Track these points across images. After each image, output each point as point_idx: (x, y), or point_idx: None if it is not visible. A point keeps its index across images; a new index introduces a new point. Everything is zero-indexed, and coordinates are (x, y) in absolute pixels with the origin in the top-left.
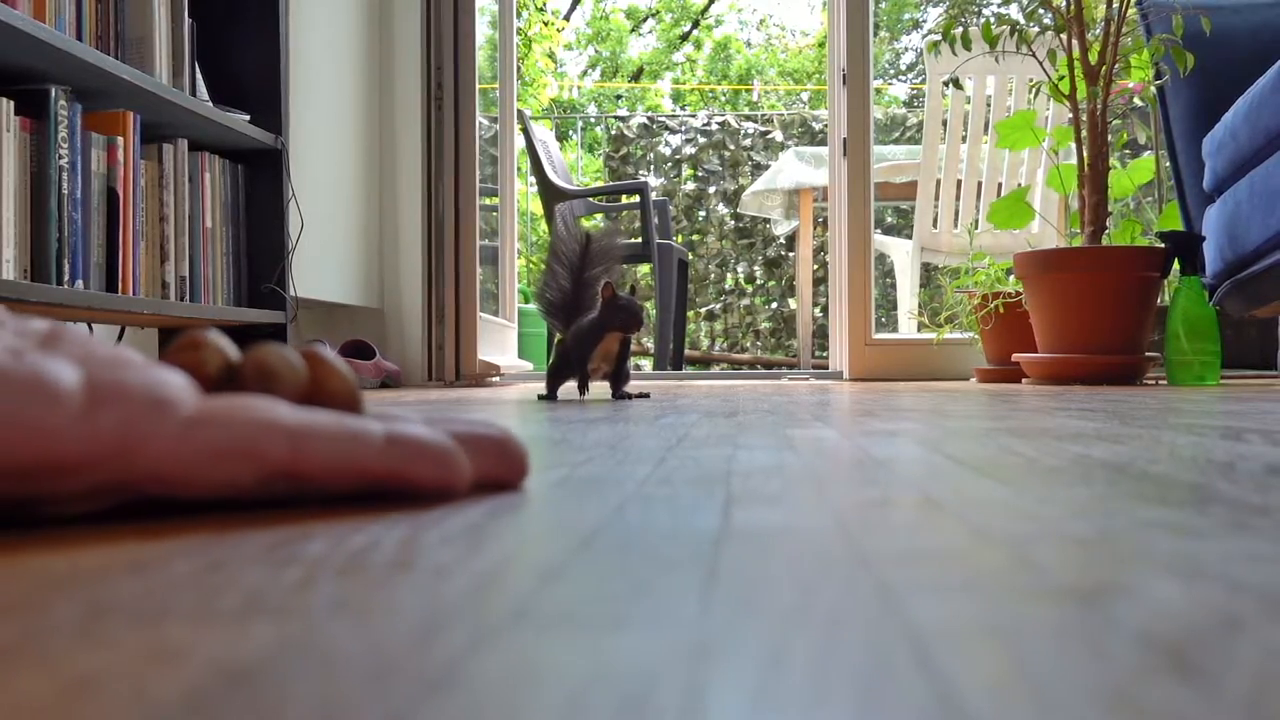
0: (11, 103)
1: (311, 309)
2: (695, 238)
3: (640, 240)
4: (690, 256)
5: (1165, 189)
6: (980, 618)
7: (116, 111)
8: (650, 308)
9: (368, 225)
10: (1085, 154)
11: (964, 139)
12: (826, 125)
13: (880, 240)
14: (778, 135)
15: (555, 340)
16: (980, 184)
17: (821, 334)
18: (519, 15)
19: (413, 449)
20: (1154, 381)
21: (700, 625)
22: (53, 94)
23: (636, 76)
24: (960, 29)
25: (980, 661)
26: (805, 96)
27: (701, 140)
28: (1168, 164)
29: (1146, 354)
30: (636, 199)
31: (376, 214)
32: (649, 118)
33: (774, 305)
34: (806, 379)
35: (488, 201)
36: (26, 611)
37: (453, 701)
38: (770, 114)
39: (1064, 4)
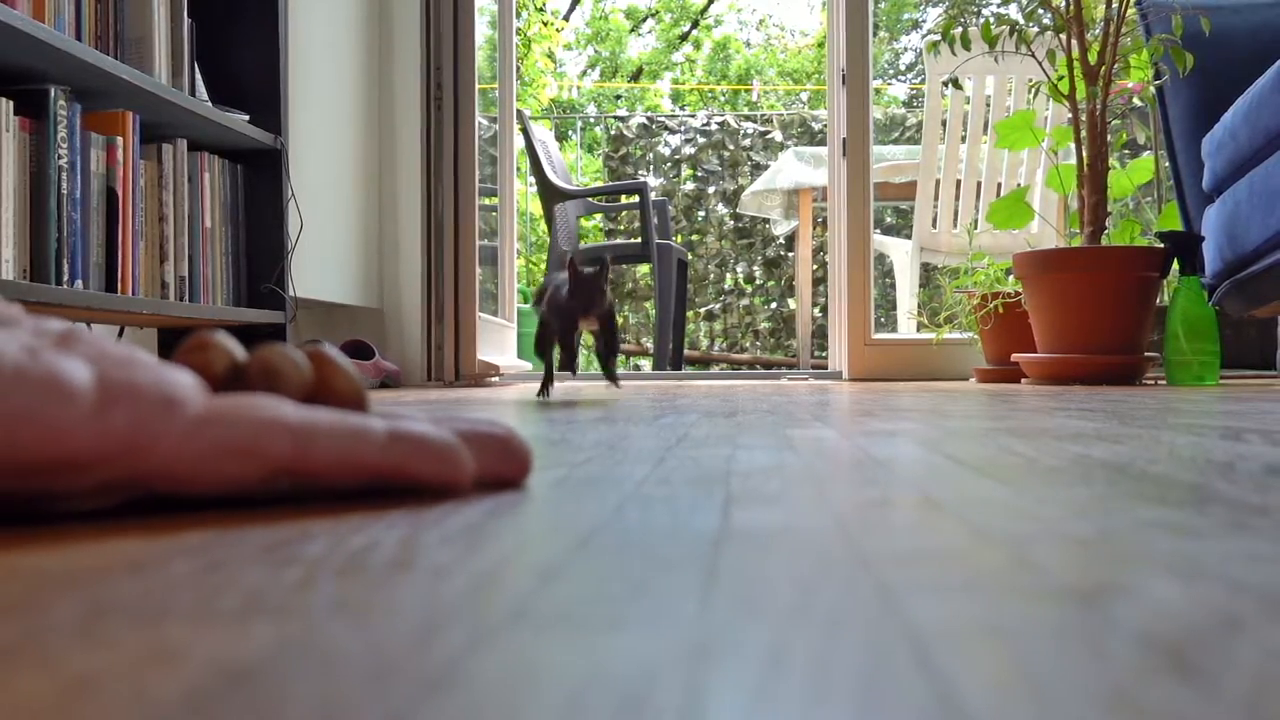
0: (11, 103)
1: (311, 309)
2: (695, 238)
3: (640, 240)
4: (690, 256)
5: (1164, 189)
6: (980, 618)
7: (116, 111)
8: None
9: (367, 225)
10: (1084, 154)
11: (963, 139)
12: (826, 125)
13: (879, 240)
14: (777, 135)
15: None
16: (980, 184)
17: (821, 334)
18: (518, 15)
19: (416, 446)
20: (1153, 381)
21: (700, 625)
22: (52, 94)
23: (636, 76)
24: (960, 29)
25: (980, 662)
26: (805, 96)
27: (701, 140)
28: (1167, 164)
29: (1146, 354)
30: (636, 199)
31: (376, 214)
32: (648, 118)
33: (773, 305)
34: (806, 379)
35: (487, 201)
36: (26, 611)
37: (452, 701)
38: (770, 114)
39: (1063, 4)
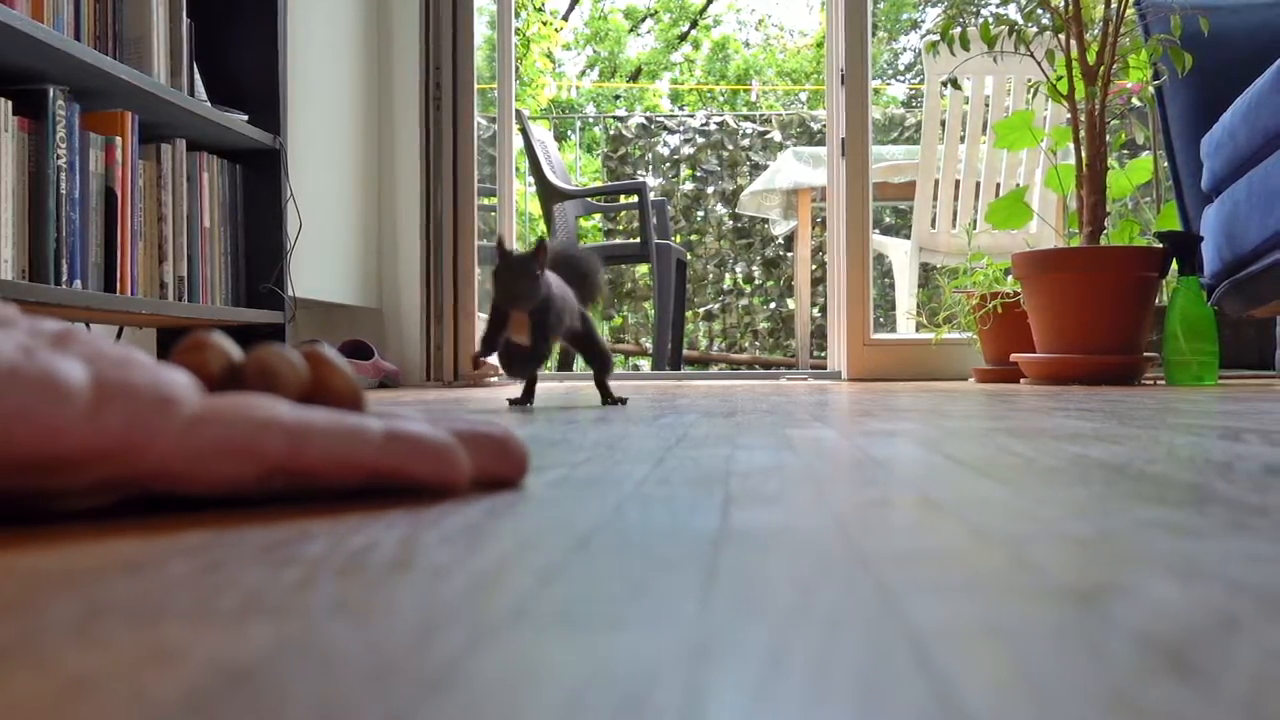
0: (10, 103)
1: (310, 309)
2: (694, 238)
3: (639, 240)
4: (689, 256)
5: (1163, 189)
6: (979, 618)
7: (115, 111)
8: (648, 308)
9: (366, 225)
10: (1083, 154)
11: (962, 139)
12: (825, 125)
13: (878, 240)
14: (776, 135)
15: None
16: (978, 184)
17: (820, 334)
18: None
19: (412, 445)
20: (1152, 381)
21: (699, 625)
22: (51, 94)
23: (635, 76)
24: (958, 29)
25: (980, 661)
26: (803, 96)
27: (700, 140)
28: (1166, 164)
29: (1145, 354)
30: (635, 199)
31: (375, 214)
32: (647, 118)
33: (772, 305)
34: (805, 379)
35: (486, 201)
36: (24, 611)
37: (452, 701)
38: (769, 114)
39: (1062, 4)
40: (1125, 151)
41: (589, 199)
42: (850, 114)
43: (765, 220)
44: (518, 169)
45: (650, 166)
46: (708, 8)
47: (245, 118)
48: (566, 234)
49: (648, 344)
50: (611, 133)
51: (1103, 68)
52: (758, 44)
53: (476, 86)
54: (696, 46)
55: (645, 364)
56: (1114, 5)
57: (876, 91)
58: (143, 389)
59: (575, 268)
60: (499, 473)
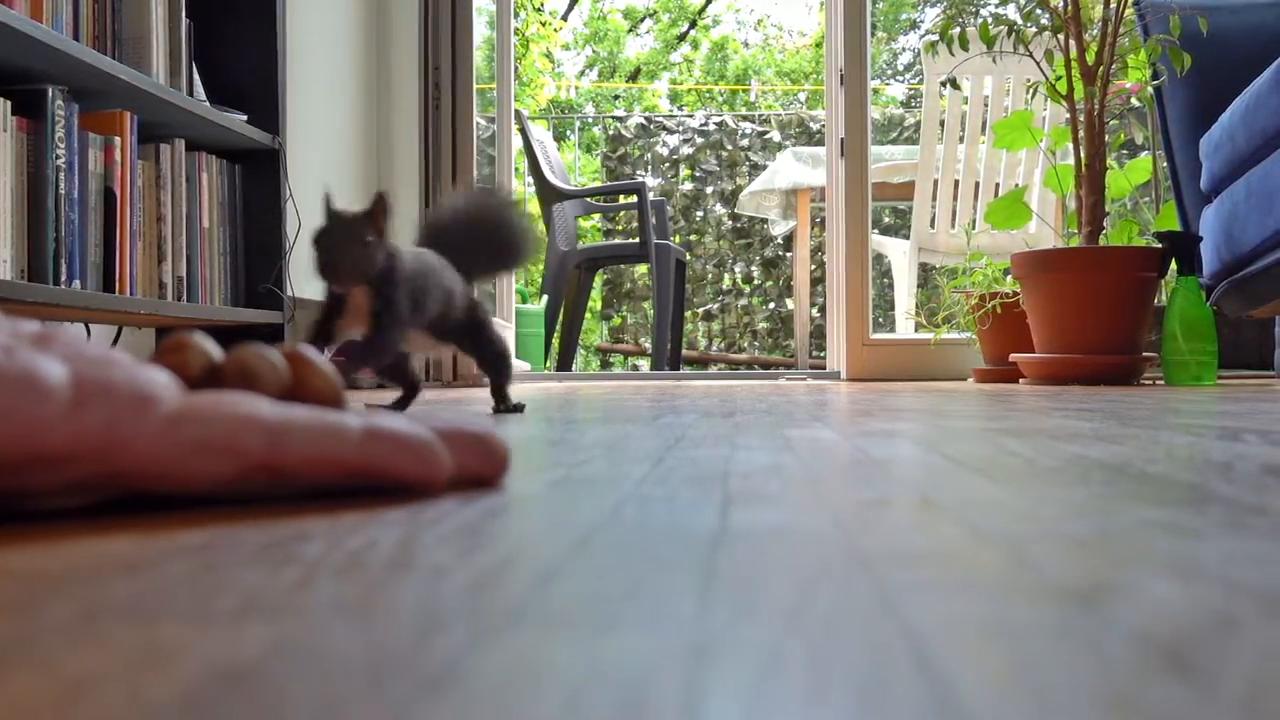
0: (8, 103)
1: (309, 309)
2: (693, 238)
3: (638, 240)
4: (688, 257)
5: (1162, 189)
6: (979, 618)
7: (113, 111)
8: (647, 308)
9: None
10: (1082, 154)
11: (961, 139)
12: (824, 125)
13: (878, 240)
14: (775, 135)
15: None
16: (978, 184)
17: (819, 334)
18: (516, 15)
19: (392, 442)
20: (1151, 382)
21: (698, 625)
22: (50, 94)
23: (634, 77)
24: (958, 29)
25: (979, 662)
26: (803, 96)
27: (699, 140)
28: (1165, 164)
29: (1144, 354)
30: (634, 199)
31: None
32: (646, 118)
33: (771, 305)
34: (804, 379)
35: None
36: (21, 612)
37: (450, 702)
38: (768, 114)
39: (1061, 4)
40: (1124, 151)
41: (588, 199)
42: (849, 114)
43: (764, 220)
44: (517, 169)
45: (649, 166)
46: (707, 8)
47: (244, 118)
48: (566, 234)
49: (647, 344)
50: (610, 133)
51: (1102, 68)
52: (757, 44)
53: (476, 86)
54: (695, 46)
55: (644, 364)
56: (1113, 5)
57: (876, 91)
58: (122, 387)
59: (482, 225)
60: (480, 470)
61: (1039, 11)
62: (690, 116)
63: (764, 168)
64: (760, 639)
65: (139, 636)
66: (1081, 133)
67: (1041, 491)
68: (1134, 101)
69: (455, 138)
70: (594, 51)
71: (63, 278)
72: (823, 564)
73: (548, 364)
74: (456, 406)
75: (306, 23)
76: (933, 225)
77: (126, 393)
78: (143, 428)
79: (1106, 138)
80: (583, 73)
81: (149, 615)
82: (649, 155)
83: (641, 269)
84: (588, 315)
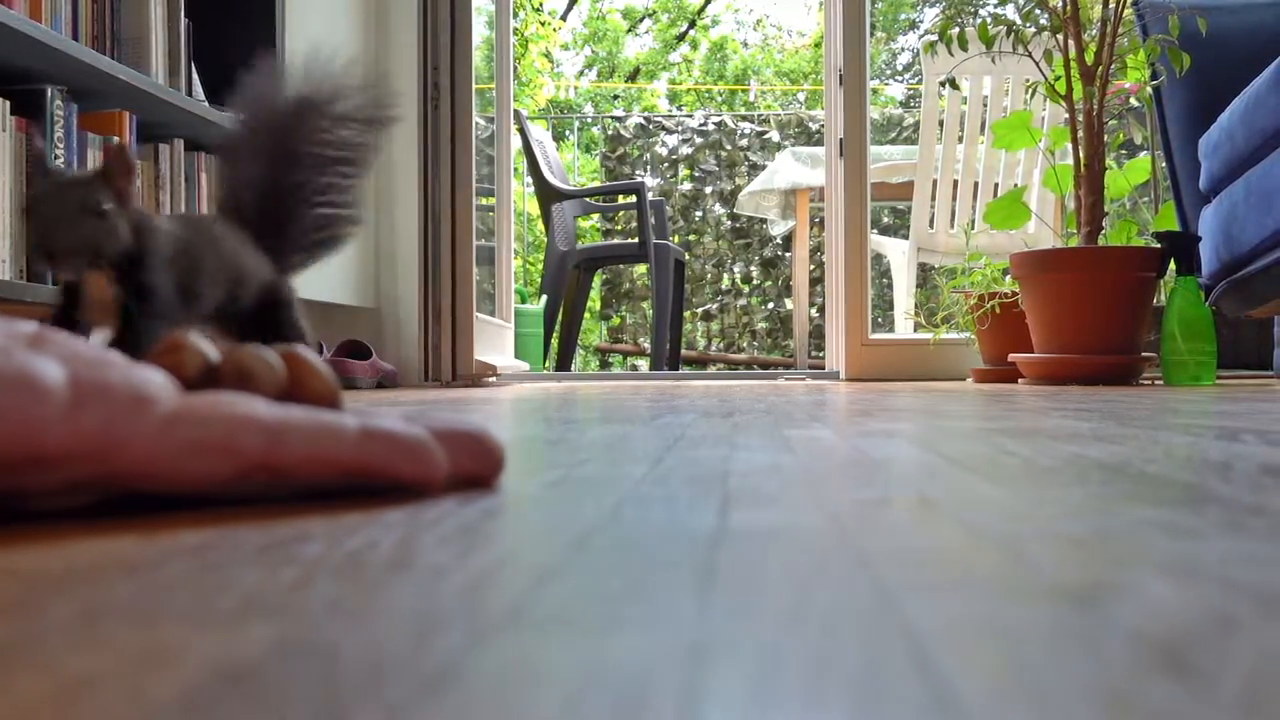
0: (7, 103)
1: (308, 309)
2: (692, 238)
3: (637, 240)
4: (687, 257)
5: (1161, 189)
6: (977, 617)
7: (112, 111)
8: (646, 308)
9: (364, 225)
10: (1081, 154)
11: (960, 139)
12: (823, 125)
13: (877, 240)
14: (774, 135)
15: None
16: (976, 184)
17: (818, 334)
18: (515, 15)
19: (389, 442)
20: (1150, 382)
21: (697, 625)
22: (49, 94)
23: (633, 76)
24: (957, 29)
25: (977, 661)
26: (802, 97)
27: (698, 140)
28: (1164, 164)
29: (1143, 354)
30: (633, 199)
31: (373, 214)
32: (645, 118)
33: (770, 305)
34: (803, 379)
35: (484, 202)
36: (22, 612)
37: (449, 702)
38: (767, 114)
39: (1060, 4)
40: (1123, 151)
41: (587, 199)
42: (848, 114)
43: (763, 220)
44: (516, 169)
45: (648, 166)
46: (706, 8)
47: None
48: (565, 234)
49: (646, 344)
50: (610, 133)
51: (1101, 68)
52: (756, 44)
53: (475, 86)
54: (695, 46)
55: (643, 364)
56: (1112, 5)
57: (875, 91)
58: (120, 388)
59: (291, 193)
60: (475, 470)
61: (1038, 11)
62: (689, 116)
63: (763, 168)
64: (759, 639)
65: (139, 636)
66: (1080, 133)
67: (1040, 491)
68: (1133, 101)
69: (454, 138)
70: (593, 51)
71: None
72: (822, 564)
73: (546, 364)
74: (458, 406)
75: (306, 22)
76: (932, 225)
77: (124, 393)
78: (140, 428)
79: (1105, 138)
80: (582, 73)
81: (149, 615)
82: (648, 155)
83: (640, 269)
84: (587, 315)
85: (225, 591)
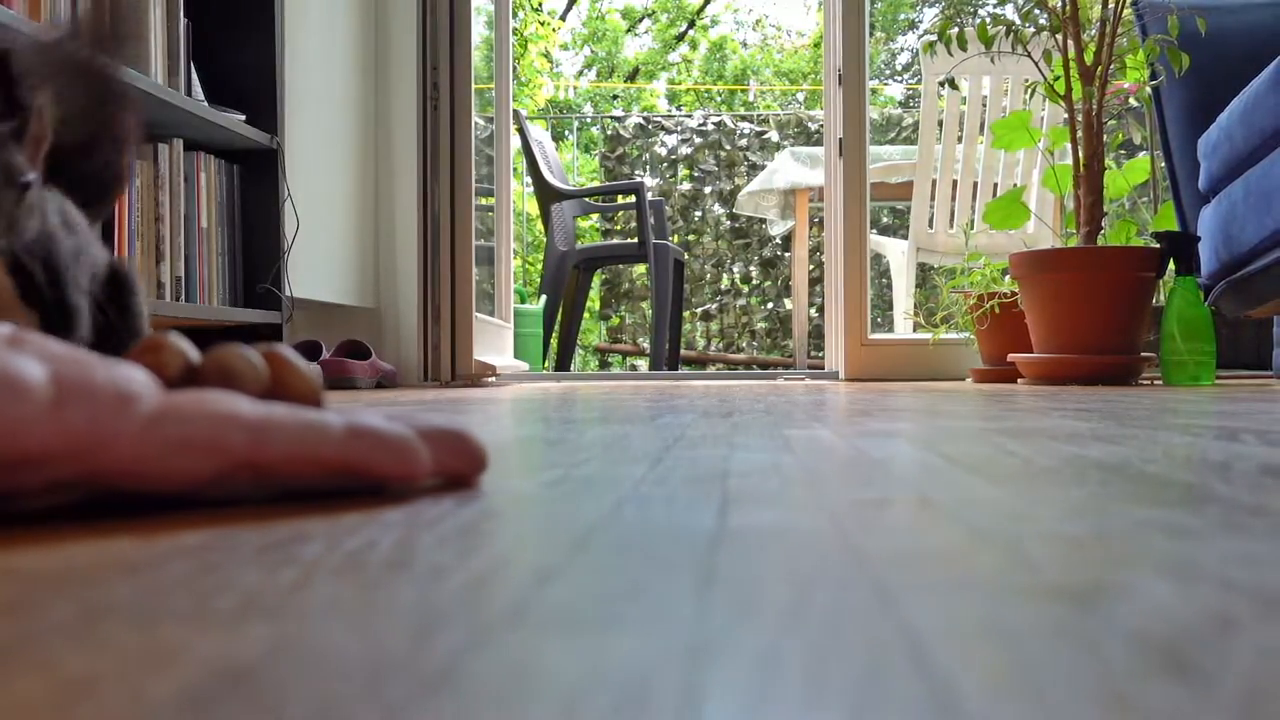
0: None
1: (307, 309)
2: (691, 238)
3: (636, 240)
4: (686, 257)
5: (1160, 189)
6: (976, 617)
7: None
8: (646, 308)
9: (363, 225)
10: (1080, 154)
11: (960, 139)
12: (822, 125)
13: (876, 240)
14: (774, 135)
15: None
16: (976, 184)
17: (817, 334)
18: (515, 15)
19: (373, 440)
20: (1149, 382)
21: (697, 625)
22: None
23: (632, 77)
24: (956, 30)
25: (977, 661)
26: (801, 97)
27: (697, 140)
28: (1163, 164)
29: (1142, 354)
30: (632, 199)
31: (372, 214)
32: (645, 118)
33: (770, 305)
34: (802, 379)
35: (483, 202)
36: (22, 612)
37: (449, 702)
38: (766, 114)
39: (1059, 4)
40: (1122, 151)
41: (586, 199)
42: (848, 114)
43: (763, 220)
44: (515, 169)
45: (648, 166)
46: (705, 8)
47: (243, 118)
48: (564, 234)
49: (645, 344)
50: (609, 133)
51: (1100, 68)
52: (755, 44)
53: (474, 86)
54: (694, 46)
55: (642, 364)
56: (1111, 5)
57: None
58: (103, 387)
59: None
60: (458, 469)
61: (1037, 11)
62: (689, 116)
63: (762, 168)
64: (759, 639)
65: (139, 636)
66: (1080, 133)
67: (1039, 491)
68: (1132, 101)
69: (454, 138)
70: (592, 51)
71: None
72: (821, 564)
73: (546, 364)
74: (458, 406)
75: (305, 22)
76: (931, 225)
77: (107, 392)
78: (124, 427)
79: (1105, 138)
80: (581, 73)
81: (149, 615)
82: (647, 155)
83: (640, 269)
84: (586, 315)
85: (224, 592)
